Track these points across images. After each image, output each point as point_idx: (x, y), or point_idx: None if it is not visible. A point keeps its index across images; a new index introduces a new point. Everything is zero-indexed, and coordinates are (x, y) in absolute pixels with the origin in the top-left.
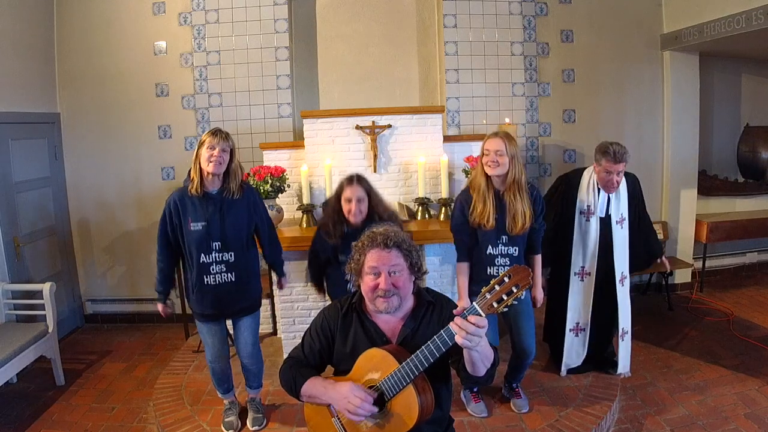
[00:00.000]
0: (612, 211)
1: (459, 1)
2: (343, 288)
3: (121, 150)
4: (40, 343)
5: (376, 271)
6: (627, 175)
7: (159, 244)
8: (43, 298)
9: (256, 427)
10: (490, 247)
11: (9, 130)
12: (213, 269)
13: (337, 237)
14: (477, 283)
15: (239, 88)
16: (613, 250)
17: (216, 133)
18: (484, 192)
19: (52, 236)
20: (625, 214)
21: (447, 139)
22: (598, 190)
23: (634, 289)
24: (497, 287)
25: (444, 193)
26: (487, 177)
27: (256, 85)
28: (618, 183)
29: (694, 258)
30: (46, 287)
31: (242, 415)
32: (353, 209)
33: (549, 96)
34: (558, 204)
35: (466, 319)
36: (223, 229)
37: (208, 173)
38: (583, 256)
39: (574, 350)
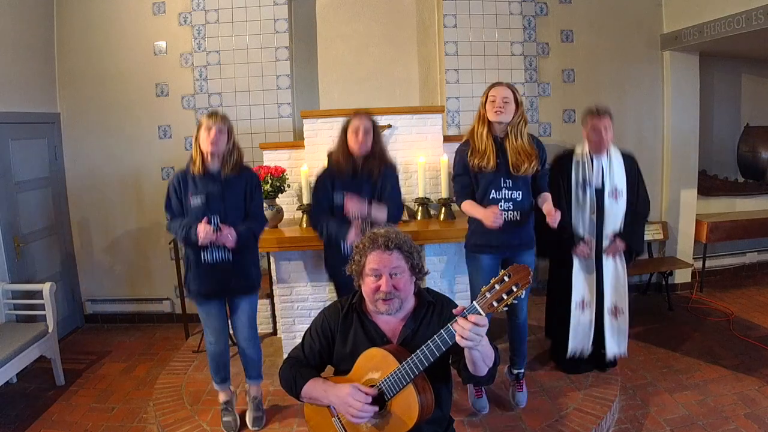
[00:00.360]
0: (605, 182)
1: (459, 1)
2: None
3: (121, 150)
4: (40, 343)
5: (377, 273)
6: (624, 155)
7: (169, 212)
8: (43, 298)
9: (256, 428)
10: (493, 191)
11: (9, 130)
12: (211, 245)
13: (348, 168)
14: (481, 234)
15: (239, 88)
16: (603, 223)
17: (212, 114)
18: (484, 135)
19: (52, 236)
20: (621, 188)
21: (447, 139)
22: (592, 161)
23: (634, 289)
24: (497, 286)
25: (444, 193)
26: (488, 124)
27: (256, 85)
28: (608, 139)
29: (694, 258)
30: (46, 287)
31: (241, 415)
32: (360, 138)
33: (549, 96)
34: (557, 184)
35: (467, 319)
36: (222, 206)
37: (207, 153)
38: (583, 230)
39: (581, 329)
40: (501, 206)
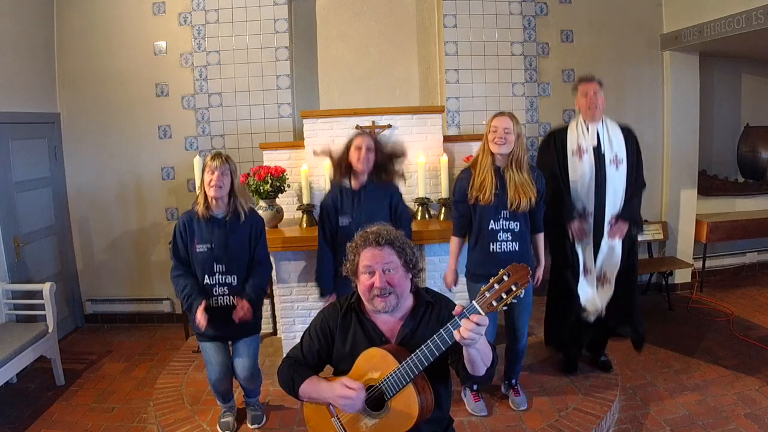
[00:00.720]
0: (605, 149)
1: (459, 1)
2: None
3: (121, 150)
4: (40, 343)
5: (370, 270)
6: (622, 127)
7: (175, 261)
8: (43, 298)
9: (256, 426)
10: (491, 222)
11: (9, 130)
12: (216, 291)
13: (341, 176)
14: (480, 263)
15: (239, 88)
16: (605, 190)
17: (215, 157)
18: (486, 167)
19: (52, 236)
20: (621, 156)
21: (447, 139)
22: (587, 128)
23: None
24: (496, 286)
25: (444, 193)
26: (491, 155)
27: (256, 85)
28: (599, 104)
29: (694, 258)
30: (46, 287)
31: (240, 417)
32: (362, 156)
33: (549, 96)
34: (550, 157)
35: (468, 319)
36: (227, 252)
37: (211, 198)
38: (581, 202)
39: (589, 291)
40: (499, 237)
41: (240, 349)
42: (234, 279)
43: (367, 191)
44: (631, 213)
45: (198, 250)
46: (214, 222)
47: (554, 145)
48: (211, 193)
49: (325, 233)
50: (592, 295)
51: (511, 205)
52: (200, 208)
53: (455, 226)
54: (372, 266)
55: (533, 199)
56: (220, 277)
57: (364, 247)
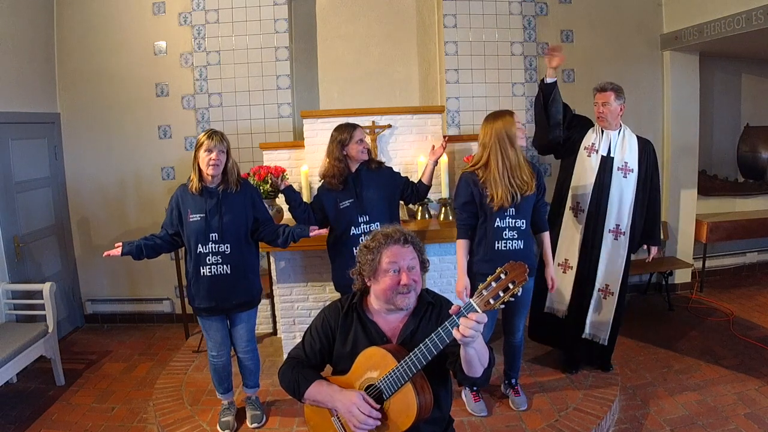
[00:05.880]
0: (615, 154)
1: (459, 1)
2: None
3: (121, 150)
4: (40, 343)
5: (396, 267)
6: (639, 138)
7: (161, 228)
8: (43, 298)
9: (255, 425)
10: (498, 219)
11: (9, 130)
12: (209, 260)
13: (340, 182)
14: (484, 262)
15: (239, 88)
16: (609, 194)
17: (212, 135)
18: (499, 172)
19: (52, 236)
20: (632, 165)
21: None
22: (602, 132)
23: (634, 289)
24: (494, 284)
25: (444, 193)
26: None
27: (256, 85)
28: (606, 114)
29: (694, 258)
30: (46, 287)
31: (240, 417)
32: (365, 146)
33: None
34: (577, 125)
35: (467, 317)
36: (221, 222)
37: (208, 175)
38: (582, 192)
39: (560, 288)
40: (505, 235)
41: (238, 321)
42: (228, 248)
43: (363, 173)
44: (656, 236)
45: (191, 219)
46: (208, 193)
47: (578, 130)
48: (210, 171)
49: (323, 211)
50: (560, 295)
51: (519, 188)
52: (194, 184)
53: (463, 228)
54: (398, 263)
55: (533, 186)
56: (214, 246)
57: (387, 246)
